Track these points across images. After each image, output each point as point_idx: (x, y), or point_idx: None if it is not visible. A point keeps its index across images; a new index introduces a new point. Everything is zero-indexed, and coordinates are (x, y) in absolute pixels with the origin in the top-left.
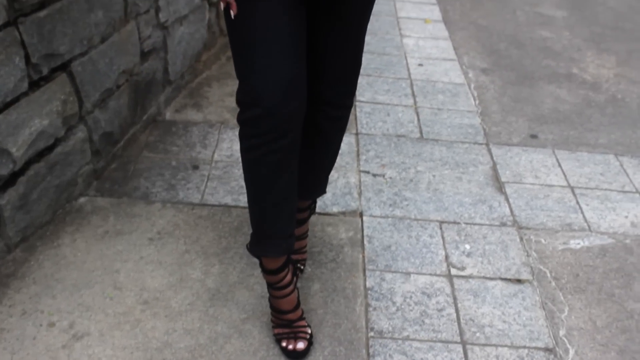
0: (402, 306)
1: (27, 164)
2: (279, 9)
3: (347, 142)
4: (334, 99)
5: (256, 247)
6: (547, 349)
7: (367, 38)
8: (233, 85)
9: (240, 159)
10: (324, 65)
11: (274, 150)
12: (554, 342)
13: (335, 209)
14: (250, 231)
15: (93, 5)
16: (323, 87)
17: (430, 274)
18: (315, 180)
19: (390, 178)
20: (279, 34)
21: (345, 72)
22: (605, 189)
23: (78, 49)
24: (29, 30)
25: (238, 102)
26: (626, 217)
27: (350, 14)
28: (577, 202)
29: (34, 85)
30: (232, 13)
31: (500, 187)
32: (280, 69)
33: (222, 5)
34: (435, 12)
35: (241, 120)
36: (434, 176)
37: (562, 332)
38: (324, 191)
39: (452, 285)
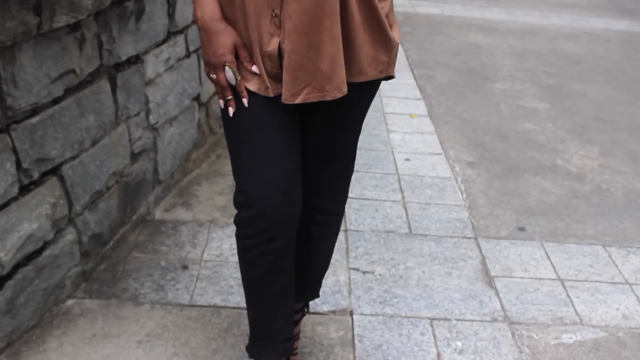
0: None
1: (15, 268)
2: (273, 114)
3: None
4: (323, 206)
5: (253, 349)
6: None
7: None
8: (222, 183)
9: (229, 259)
10: (314, 173)
11: (267, 253)
12: None
13: (325, 308)
14: (240, 332)
15: (85, 110)
16: (313, 194)
17: None
18: (307, 284)
19: (380, 275)
20: (273, 138)
21: (336, 180)
22: (595, 281)
23: (69, 153)
24: (20, 136)
25: (234, 202)
26: (617, 309)
27: (342, 124)
28: (568, 295)
29: (24, 189)
30: (245, 102)
31: (490, 281)
32: (274, 172)
33: (221, 103)
34: (421, 107)
35: (236, 221)
36: (423, 272)
37: None
38: (317, 295)
39: None
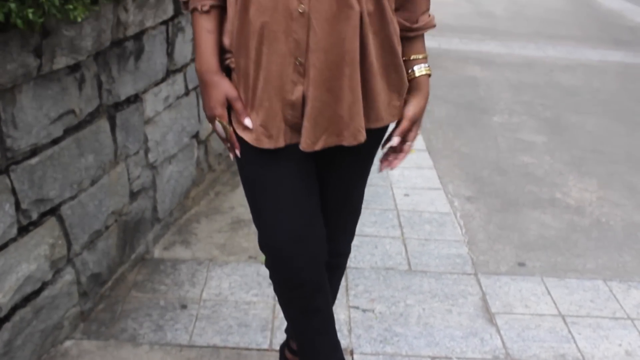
0: None
1: (13, 310)
2: (286, 162)
3: None
4: (332, 249)
5: None
6: None
7: None
8: (222, 221)
9: (228, 298)
10: (328, 217)
11: (297, 297)
12: None
13: None
14: None
15: (84, 150)
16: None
17: None
18: None
19: (380, 313)
20: (287, 187)
21: (346, 224)
22: (597, 316)
23: (68, 193)
24: (20, 177)
25: (259, 246)
26: (620, 345)
27: (355, 168)
28: (569, 331)
29: (23, 230)
30: (237, 152)
31: (490, 318)
32: (290, 221)
33: (231, 156)
34: (419, 142)
35: (265, 264)
36: (423, 309)
37: None
38: None
39: None
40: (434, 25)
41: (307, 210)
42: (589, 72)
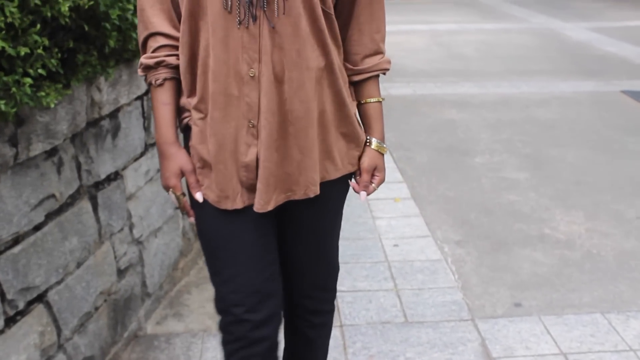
0: None
1: None
2: (243, 220)
3: (332, 335)
4: (314, 307)
5: None
6: None
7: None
8: (212, 289)
9: None
10: (301, 275)
11: (249, 357)
12: None
13: None
14: None
15: (67, 233)
16: (301, 297)
17: None
18: None
19: None
20: (243, 244)
21: (321, 280)
22: (599, 351)
23: (54, 278)
24: (3, 267)
25: (215, 308)
26: None
27: (320, 222)
28: None
29: (10, 320)
30: (192, 220)
31: None
32: (246, 278)
33: (189, 219)
34: (404, 190)
35: (219, 326)
36: None
37: None
38: None
39: None
40: (385, 69)
41: (265, 267)
42: (564, 104)
